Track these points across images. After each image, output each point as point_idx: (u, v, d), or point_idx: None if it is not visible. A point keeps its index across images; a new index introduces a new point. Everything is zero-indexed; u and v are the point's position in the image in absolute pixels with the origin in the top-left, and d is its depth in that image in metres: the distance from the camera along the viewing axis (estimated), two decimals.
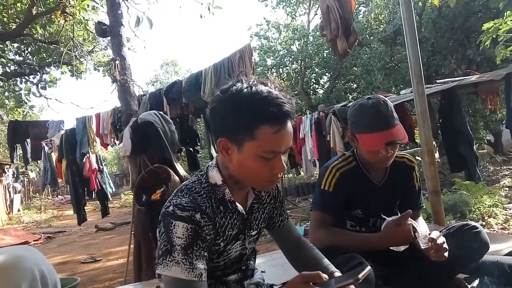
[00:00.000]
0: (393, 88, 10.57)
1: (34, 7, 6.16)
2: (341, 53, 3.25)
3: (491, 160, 10.01)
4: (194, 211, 0.95)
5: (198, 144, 5.36)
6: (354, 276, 0.93)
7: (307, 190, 10.22)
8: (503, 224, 4.51)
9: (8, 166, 14.14)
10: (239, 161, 0.97)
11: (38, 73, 8.79)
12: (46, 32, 7.85)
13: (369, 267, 0.98)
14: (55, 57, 7.97)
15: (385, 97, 1.59)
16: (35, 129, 6.53)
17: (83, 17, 7.35)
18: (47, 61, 8.73)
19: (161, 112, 3.75)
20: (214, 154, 4.94)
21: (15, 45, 8.43)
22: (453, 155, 4.77)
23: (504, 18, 3.87)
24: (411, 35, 2.64)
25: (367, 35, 12.08)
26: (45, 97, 8.35)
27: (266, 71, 13.84)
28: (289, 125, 0.96)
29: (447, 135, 4.90)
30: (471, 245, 1.43)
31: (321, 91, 14.85)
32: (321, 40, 12.15)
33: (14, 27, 7.01)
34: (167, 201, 1.02)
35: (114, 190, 11.71)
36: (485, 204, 5.00)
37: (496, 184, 6.90)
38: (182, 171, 3.49)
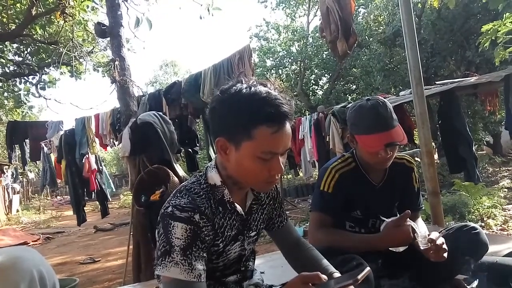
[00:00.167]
0: (392, 90, 10.60)
1: (34, 8, 6.15)
2: (341, 54, 3.26)
3: (490, 161, 10.02)
4: (193, 212, 0.95)
5: (197, 145, 5.36)
6: (354, 276, 0.93)
7: (306, 191, 10.22)
8: (502, 225, 4.51)
9: (7, 167, 14.12)
10: (237, 161, 0.97)
11: (37, 73, 8.78)
12: (45, 32, 7.85)
13: (368, 268, 0.98)
14: (54, 58, 7.97)
15: (384, 98, 1.59)
16: (34, 129, 6.52)
17: (83, 18, 7.35)
18: (47, 61, 8.73)
19: (160, 113, 3.75)
20: (212, 155, 4.94)
21: (15, 45, 8.43)
22: (452, 156, 4.77)
23: (503, 19, 3.88)
24: (410, 37, 2.64)
25: (366, 37, 12.10)
26: (44, 98, 8.36)
27: (265, 72, 13.86)
28: (288, 126, 0.96)
29: (446, 137, 4.91)
30: (470, 246, 1.43)
31: (320, 92, 14.87)
32: (321, 41, 12.18)
33: (13, 27, 7.01)
34: (166, 201, 1.02)
35: (114, 191, 11.73)
36: (484, 205, 5.01)
37: (495, 185, 6.91)
38: (181, 172, 3.49)
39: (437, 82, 5.95)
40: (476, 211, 4.95)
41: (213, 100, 1.00)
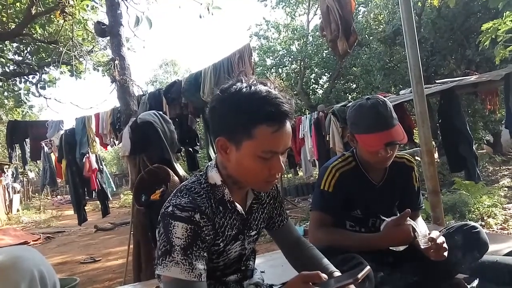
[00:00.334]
0: (393, 88, 10.59)
1: (34, 7, 6.15)
2: (341, 53, 3.25)
3: (490, 160, 10.02)
4: (193, 211, 0.95)
5: (198, 144, 5.36)
6: (354, 276, 0.93)
7: (307, 190, 10.22)
8: (503, 224, 4.52)
9: (7, 166, 14.12)
10: (237, 160, 0.97)
11: (37, 73, 8.77)
12: (45, 32, 7.84)
13: (368, 267, 0.98)
14: (54, 57, 7.97)
15: (385, 97, 1.59)
16: (34, 129, 6.52)
17: (83, 17, 7.34)
18: (47, 61, 8.73)
19: (161, 112, 3.75)
20: (212, 154, 4.94)
21: (14, 45, 8.43)
22: (452, 155, 4.77)
23: (503, 18, 3.88)
24: (410, 35, 2.64)
25: (366, 35, 12.09)
26: (44, 97, 8.35)
27: (265, 71, 13.85)
28: (288, 125, 0.96)
29: (446, 135, 4.91)
30: (471, 245, 1.43)
31: (320, 91, 14.86)
32: (321, 40, 12.17)
33: (13, 27, 7.01)
34: (167, 201, 1.02)
35: (115, 190, 11.73)
36: (485, 204, 5.01)
37: (496, 184, 6.91)
38: (181, 171, 3.49)
39: (437, 81, 5.95)
40: (476, 210, 4.95)
41: (213, 99, 1.00)
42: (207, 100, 4.27)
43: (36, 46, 8.39)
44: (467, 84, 5.08)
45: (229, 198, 1.05)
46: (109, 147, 6.43)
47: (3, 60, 8.37)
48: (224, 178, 1.05)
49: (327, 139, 5.49)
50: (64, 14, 5.45)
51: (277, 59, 14.32)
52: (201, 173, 1.10)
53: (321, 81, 15.23)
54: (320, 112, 5.93)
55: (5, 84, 8.93)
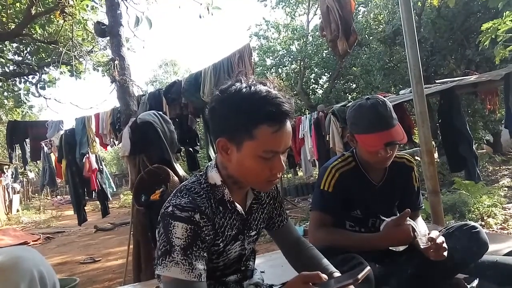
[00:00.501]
0: (392, 88, 10.59)
1: (33, 7, 6.15)
2: (341, 53, 3.26)
3: (490, 160, 10.02)
4: (193, 211, 0.95)
5: (198, 144, 5.36)
6: (354, 276, 0.93)
7: (307, 190, 10.22)
8: (502, 224, 4.51)
9: (7, 166, 14.12)
10: (238, 161, 0.97)
11: (37, 73, 8.77)
12: (45, 32, 7.84)
13: (368, 267, 0.98)
14: (54, 57, 7.97)
15: (384, 97, 1.59)
16: (34, 129, 6.52)
17: (82, 17, 7.33)
18: (46, 61, 8.73)
19: (160, 112, 3.75)
20: (212, 155, 4.94)
21: (14, 45, 8.42)
22: (452, 155, 4.77)
23: (503, 18, 3.88)
24: (410, 35, 2.64)
25: (366, 35, 12.09)
26: (44, 97, 8.35)
27: (265, 71, 13.84)
28: (288, 124, 0.96)
29: (446, 135, 4.91)
30: (470, 245, 1.43)
31: (320, 91, 14.85)
32: (321, 40, 12.17)
33: (13, 27, 7.01)
34: (166, 201, 1.02)
35: (115, 190, 11.71)
36: (484, 204, 5.01)
37: (495, 184, 6.91)
38: (181, 171, 3.49)
39: (437, 81, 5.95)
40: (476, 210, 4.95)
41: (213, 100, 0.99)
42: (207, 100, 4.27)
43: (36, 46, 8.39)
44: (467, 84, 5.07)
45: (229, 198, 1.05)
46: (109, 147, 6.43)
47: (3, 60, 8.37)
48: (224, 178, 1.05)
49: (327, 139, 5.49)
50: (64, 14, 5.45)
51: (277, 59, 14.32)
52: (201, 173, 1.10)
53: (321, 81, 15.23)
54: (320, 112, 5.93)
55: (5, 84, 8.93)
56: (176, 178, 3.23)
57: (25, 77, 8.97)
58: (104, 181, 6.29)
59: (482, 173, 7.82)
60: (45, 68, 8.92)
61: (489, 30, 4.00)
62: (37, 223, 12.02)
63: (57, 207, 17.40)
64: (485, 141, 11.31)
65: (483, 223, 4.54)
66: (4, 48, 8.19)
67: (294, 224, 3.89)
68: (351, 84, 14.29)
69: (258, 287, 1.20)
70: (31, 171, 17.88)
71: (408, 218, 1.36)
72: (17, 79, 9.04)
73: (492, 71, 6.00)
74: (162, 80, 27.09)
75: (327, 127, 5.49)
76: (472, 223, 1.50)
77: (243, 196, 1.12)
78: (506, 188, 6.41)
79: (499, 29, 3.90)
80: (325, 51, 13.09)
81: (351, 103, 2.31)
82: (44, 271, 0.79)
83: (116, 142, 5.57)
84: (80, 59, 7.65)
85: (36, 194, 20.65)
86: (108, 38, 4.48)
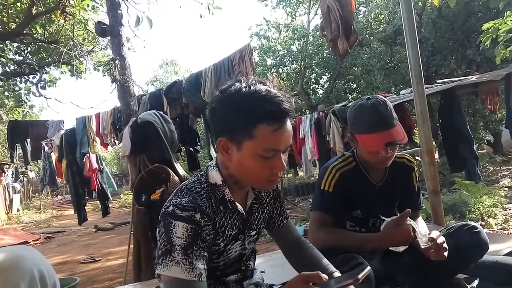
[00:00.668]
0: (393, 88, 10.58)
1: (34, 7, 6.15)
2: (342, 53, 3.26)
3: (490, 160, 10.01)
4: (194, 211, 0.95)
5: (198, 144, 5.37)
6: (354, 276, 0.93)
7: (307, 190, 10.22)
8: (503, 224, 4.51)
9: (7, 166, 14.13)
10: (239, 160, 0.97)
11: (37, 72, 8.78)
12: (46, 31, 7.85)
13: (368, 267, 0.98)
14: (55, 57, 7.98)
15: (385, 97, 1.59)
16: (35, 129, 6.53)
17: (83, 17, 7.34)
18: (47, 60, 8.74)
19: (161, 112, 3.75)
20: (213, 154, 4.94)
21: (15, 44, 8.43)
22: (453, 155, 4.77)
23: (504, 18, 3.88)
24: (411, 35, 2.64)
25: (367, 35, 12.08)
26: (44, 97, 8.36)
27: (266, 71, 13.84)
28: (289, 123, 0.96)
29: (447, 135, 4.90)
30: (471, 245, 1.42)
31: (321, 91, 14.85)
32: (321, 40, 12.16)
33: (14, 26, 7.01)
34: (167, 201, 1.02)
35: (116, 190, 11.72)
36: (485, 204, 5.00)
37: (496, 184, 6.90)
38: (181, 171, 3.49)
39: (437, 81, 5.95)
40: (476, 210, 4.95)
41: (213, 100, 1.00)
42: (207, 100, 4.27)
43: (36, 46, 8.40)
44: (467, 84, 5.07)
45: (230, 198, 1.05)
46: (109, 147, 6.44)
47: (4, 60, 8.38)
48: (225, 178, 1.05)
49: (328, 139, 5.49)
50: (65, 14, 5.46)
51: (278, 59, 14.32)
52: (201, 173, 1.10)
53: (321, 81, 15.23)
54: (321, 112, 5.94)
55: (6, 84, 8.95)
56: (176, 178, 3.23)
57: (25, 76, 8.98)
58: (104, 181, 6.29)
59: (483, 173, 7.81)
60: (45, 68, 8.93)
61: (490, 30, 4.00)
62: (37, 223, 12.03)
63: (58, 207, 17.41)
64: (485, 141, 11.29)
65: (483, 223, 4.54)
66: (5, 48, 8.20)
67: (295, 224, 3.89)
68: (352, 84, 14.28)
69: (258, 286, 1.20)
70: (31, 171, 17.88)
71: (408, 218, 1.36)
72: (18, 78, 9.05)
73: (493, 71, 5.99)
74: (163, 80, 27.10)
75: (328, 127, 5.49)
76: (473, 223, 1.49)
77: (244, 196, 1.12)
78: (506, 188, 6.40)
79: (500, 29, 3.89)
80: (326, 51, 13.09)
81: (351, 103, 2.31)
82: (44, 271, 0.79)
83: (117, 142, 5.58)
84: (81, 59, 7.66)
85: (37, 194, 20.65)
86: (108, 38, 4.48)
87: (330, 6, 3.21)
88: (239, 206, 1.08)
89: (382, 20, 12.19)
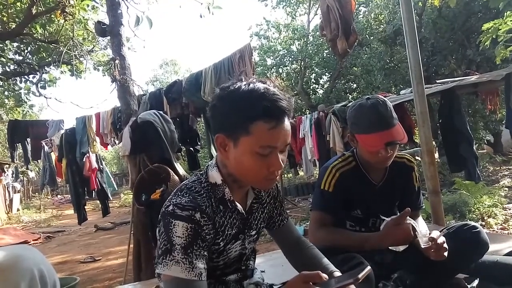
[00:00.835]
0: (393, 88, 10.58)
1: (34, 7, 6.15)
2: (341, 53, 3.26)
3: (490, 160, 10.01)
4: (194, 210, 0.95)
5: (198, 143, 5.37)
6: (354, 276, 0.93)
7: (307, 190, 10.22)
8: (503, 224, 4.51)
9: (7, 166, 14.13)
10: (236, 158, 0.97)
11: (37, 72, 8.78)
12: (45, 31, 7.85)
13: (369, 267, 0.98)
14: (54, 57, 7.98)
15: (385, 97, 1.59)
16: (35, 128, 6.53)
17: (83, 17, 7.35)
18: (47, 60, 8.74)
19: (161, 112, 3.75)
20: (214, 153, 4.94)
21: (15, 44, 8.43)
22: (453, 155, 4.77)
23: (504, 18, 3.88)
24: (411, 35, 2.64)
25: (367, 35, 12.08)
26: (44, 97, 8.37)
27: (266, 71, 13.85)
28: (286, 121, 0.96)
29: (447, 135, 4.90)
30: (471, 245, 1.42)
31: (321, 91, 14.85)
32: (321, 40, 12.16)
33: (13, 26, 7.01)
34: (167, 200, 1.02)
35: (116, 189, 11.72)
36: (485, 204, 5.00)
37: (496, 184, 6.90)
38: (181, 171, 3.49)
39: (437, 81, 5.94)
40: (476, 210, 4.95)
41: (214, 97, 1.01)
42: (207, 100, 4.27)
43: (36, 46, 8.39)
44: (467, 84, 5.07)
45: (230, 197, 1.05)
46: (109, 147, 6.44)
47: (4, 60, 8.38)
48: (225, 177, 1.05)
49: (328, 139, 5.50)
50: (65, 13, 5.45)
51: (278, 59, 14.32)
52: (201, 172, 1.10)
53: (321, 81, 15.23)
54: (321, 112, 5.93)
55: (6, 83, 8.94)
56: (176, 178, 3.23)
57: (25, 76, 8.98)
58: (104, 180, 6.29)
59: (483, 173, 7.81)
60: (45, 68, 8.93)
61: (490, 30, 4.00)
62: (37, 222, 12.03)
63: (58, 206, 17.42)
64: (485, 141, 11.30)
65: (483, 223, 4.54)
66: (5, 48, 8.20)
67: (295, 223, 3.89)
68: (352, 84, 14.28)
69: (258, 286, 1.20)
70: (31, 171, 17.88)
71: (408, 217, 1.36)
72: (18, 78, 9.05)
73: (493, 71, 5.99)
74: (163, 79, 27.10)
75: (328, 127, 5.49)
76: (473, 223, 1.49)
77: (244, 195, 1.12)
78: (506, 188, 6.40)
79: (500, 29, 3.90)
80: (326, 51, 13.09)
81: (351, 103, 2.30)
82: (44, 270, 0.79)
83: (117, 142, 5.58)
84: (81, 59, 7.66)
85: (37, 193, 20.65)
86: (108, 37, 4.49)
87: (330, 6, 3.21)
88: (239, 206, 1.08)
89: (382, 20, 12.19)
